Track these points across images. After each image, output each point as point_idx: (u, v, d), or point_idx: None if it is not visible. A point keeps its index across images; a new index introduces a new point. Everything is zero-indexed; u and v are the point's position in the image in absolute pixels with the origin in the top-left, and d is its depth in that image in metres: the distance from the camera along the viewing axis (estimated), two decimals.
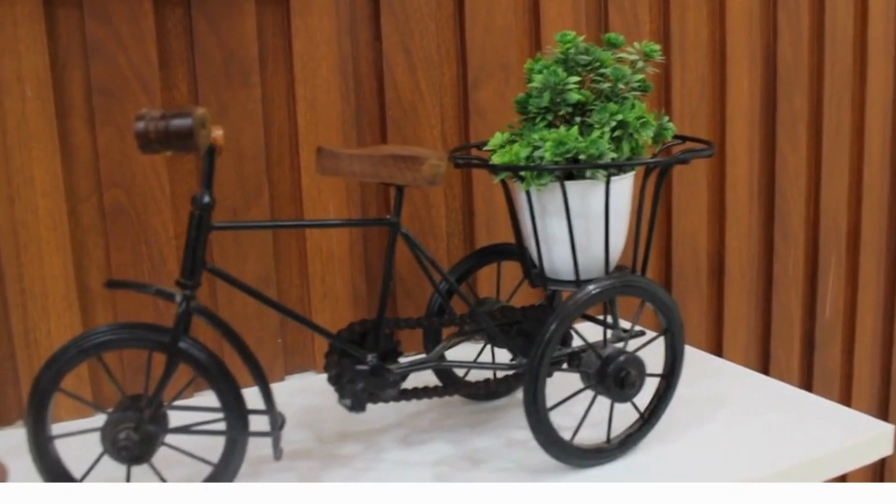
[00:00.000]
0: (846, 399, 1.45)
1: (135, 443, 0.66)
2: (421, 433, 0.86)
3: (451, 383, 0.88)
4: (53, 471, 0.68)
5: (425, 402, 0.92)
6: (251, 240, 0.99)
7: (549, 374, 0.75)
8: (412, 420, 0.89)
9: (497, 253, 0.91)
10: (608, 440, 0.77)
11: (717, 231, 1.27)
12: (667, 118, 0.81)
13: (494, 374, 0.82)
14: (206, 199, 0.67)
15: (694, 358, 1.05)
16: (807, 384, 1.40)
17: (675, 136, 0.83)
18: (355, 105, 1.02)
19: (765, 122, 1.28)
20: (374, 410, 0.91)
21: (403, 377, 0.76)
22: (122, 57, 0.90)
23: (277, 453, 0.71)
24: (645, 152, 0.80)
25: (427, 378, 0.92)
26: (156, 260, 0.95)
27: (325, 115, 1.00)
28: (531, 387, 0.72)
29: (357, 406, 0.72)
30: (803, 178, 1.33)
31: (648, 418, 0.79)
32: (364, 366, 0.71)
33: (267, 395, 0.70)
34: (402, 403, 0.80)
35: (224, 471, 0.70)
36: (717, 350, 1.29)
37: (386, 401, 0.74)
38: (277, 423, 0.71)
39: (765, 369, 1.34)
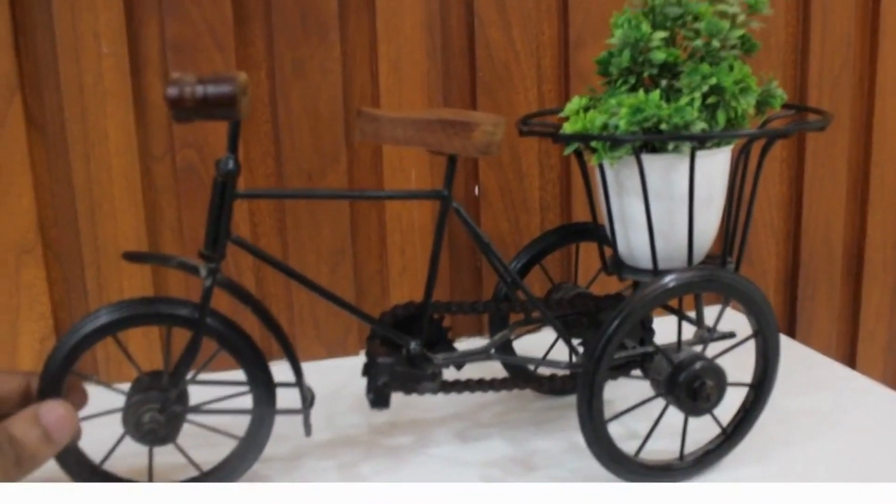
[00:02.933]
0: None
1: (161, 424, 0.63)
2: (480, 428, 0.79)
3: (515, 375, 0.80)
4: (70, 456, 0.63)
5: (493, 392, 0.84)
6: (326, 209, 0.94)
7: (614, 378, 0.65)
8: (474, 412, 0.82)
9: (577, 233, 0.81)
10: (681, 457, 0.67)
11: (856, 218, 1.10)
12: (775, 83, 0.69)
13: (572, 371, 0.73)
14: (231, 164, 0.62)
15: (814, 364, 0.91)
16: None
17: (786, 106, 0.70)
18: (443, 65, 0.95)
19: None
20: (437, 399, 0.84)
21: (458, 368, 0.68)
22: (197, 12, 0.87)
23: (307, 429, 0.67)
24: (748, 124, 0.68)
25: (494, 368, 0.84)
26: None
27: (410, 75, 0.93)
28: (585, 393, 0.63)
29: (379, 402, 0.65)
30: None
31: (731, 434, 0.68)
32: (389, 358, 0.65)
33: (296, 369, 0.66)
34: (467, 393, 0.73)
35: (249, 446, 0.66)
36: (850, 359, 1.13)
37: (421, 393, 0.67)
38: (307, 398, 0.67)
39: None
